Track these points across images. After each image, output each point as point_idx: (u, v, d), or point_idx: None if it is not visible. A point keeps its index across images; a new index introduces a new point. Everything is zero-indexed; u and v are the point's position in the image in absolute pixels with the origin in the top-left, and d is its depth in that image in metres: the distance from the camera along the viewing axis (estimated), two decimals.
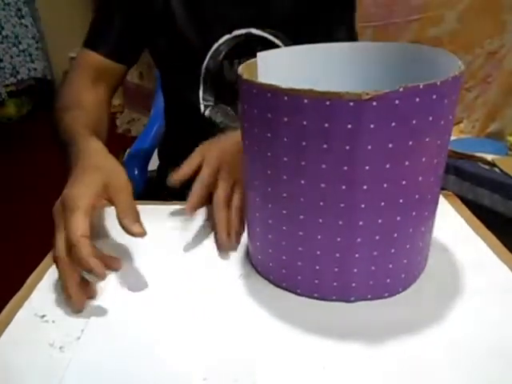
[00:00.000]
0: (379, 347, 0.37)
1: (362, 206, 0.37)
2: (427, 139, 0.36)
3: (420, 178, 0.38)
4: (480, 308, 0.40)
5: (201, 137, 0.66)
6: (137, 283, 0.45)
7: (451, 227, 0.51)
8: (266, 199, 0.41)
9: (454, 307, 0.40)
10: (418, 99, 0.34)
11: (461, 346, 0.36)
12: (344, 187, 0.36)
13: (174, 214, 0.57)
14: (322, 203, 0.37)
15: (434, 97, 0.34)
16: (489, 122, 1.30)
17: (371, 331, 0.38)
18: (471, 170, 1.12)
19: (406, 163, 0.36)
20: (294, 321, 0.40)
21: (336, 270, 0.40)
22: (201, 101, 0.66)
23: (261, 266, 0.46)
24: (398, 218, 0.38)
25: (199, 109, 0.66)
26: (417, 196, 0.38)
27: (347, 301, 0.41)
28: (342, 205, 0.37)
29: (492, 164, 1.12)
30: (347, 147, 0.34)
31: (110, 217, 0.56)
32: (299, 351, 0.36)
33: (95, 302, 0.42)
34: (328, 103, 0.33)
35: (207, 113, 0.65)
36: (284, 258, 0.42)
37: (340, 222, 0.38)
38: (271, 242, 0.43)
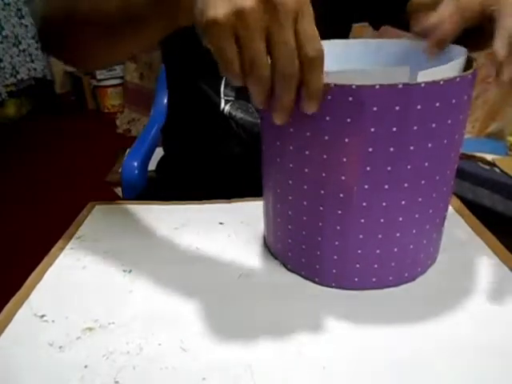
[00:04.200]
0: (379, 347, 0.37)
1: (384, 204, 0.38)
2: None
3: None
4: (480, 308, 0.40)
5: (215, 132, 0.64)
6: (135, 283, 0.45)
7: (451, 227, 0.51)
8: (287, 191, 0.42)
9: (454, 307, 0.40)
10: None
11: (460, 345, 0.36)
12: (366, 186, 0.38)
13: (174, 213, 0.57)
14: (341, 195, 0.39)
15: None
16: (489, 121, 1.30)
17: (372, 329, 0.38)
18: (471, 170, 1.12)
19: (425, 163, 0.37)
20: (293, 321, 0.40)
21: (356, 262, 0.41)
22: (222, 95, 0.64)
23: (280, 256, 0.47)
24: (417, 216, 0.40)
25: (217, 104, 0.65)
26: (434, 195, 0.40)
27: (364, 288, 0.43)
28: (364, 203, 0.38)
29: (492, 164, 1.12)
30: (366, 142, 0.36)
31: (108, 216, 0.56)
32: (299, 351, 0.36)
33: (95, 305, 0.42)
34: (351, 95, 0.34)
35: (227, 108, 0.64)
36: (303, 247, 0.43)
37: (361, 220, 0.39)
38: (291, 232, 0.44)
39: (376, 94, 0.34)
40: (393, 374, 0.34)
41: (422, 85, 0.34)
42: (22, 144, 2.62)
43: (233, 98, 0.64)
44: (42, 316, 0.41)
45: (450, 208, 0.55)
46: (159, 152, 0.84)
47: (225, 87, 0.64)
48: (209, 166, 0.69)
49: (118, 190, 1.73)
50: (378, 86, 0.34)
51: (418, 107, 0.35)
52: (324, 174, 0.38)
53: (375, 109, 0.34)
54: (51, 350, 0.37)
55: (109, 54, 0.46)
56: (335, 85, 0.34)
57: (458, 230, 0.51)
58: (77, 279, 0.46)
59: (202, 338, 0.38)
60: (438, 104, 0.35)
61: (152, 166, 0.89)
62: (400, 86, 0.34)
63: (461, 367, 0.35)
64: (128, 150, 0.95)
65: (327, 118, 0.36)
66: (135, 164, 0.89)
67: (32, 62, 3.06)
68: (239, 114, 0.63)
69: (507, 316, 0.39)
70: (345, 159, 0.37)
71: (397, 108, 0.34)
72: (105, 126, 2.86)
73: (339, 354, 0.36)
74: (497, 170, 1.11)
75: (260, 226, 0.52)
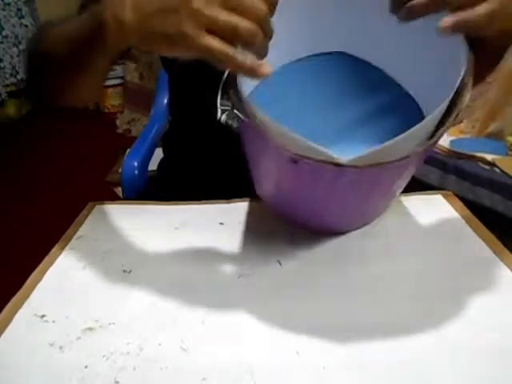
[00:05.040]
0: (379, 348, 0.37)
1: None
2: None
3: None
4: (480, 308, 0.40)
5: (213, 140, 0.66)
6: (135, 283, 0.45)
7: (451, 227, 0.51)
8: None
9: (454, 307, 0.40)
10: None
11: (460, 346, 0.36)
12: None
13: (174, 213, 0.56)
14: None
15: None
16: (489, 121, 1.29)
17: (372, 330, 0.38)
18: (471, 170, 1.11)
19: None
20: (293, 321, 0.40)
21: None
22: (218, 106, 0.66)
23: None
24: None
25: (214, 113, 0.66)
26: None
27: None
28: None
29: (492, 164, 1.12)
30: None
31: (108, 216, 0.56)
32: (299, 351, 0.36)
33: (95, 305, 0.42)
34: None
35: (223, 117, 0.66)
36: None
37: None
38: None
39: (309, 164, 0.36)
40: (393, 374, 0.34)
41: (351, 170, 0.35)
42: (22, 144, 2.61)
43: (229, 108, 0.65)
44: (43, 316, 0.41)
45: (450, 208, 0.55)
46: (159, 152, 0.84)
47: (221, 98, 0.65)
48: (208, 168, 0.70)
49: (118, 190, 1.73)
50: (310, 161, 0.36)
51: (346, 185, 0.39)
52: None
53: (308, 171, 0.37)
54: (51, 350, 0.37)
55: (78, 87, 0.53)
56: (274, 145, 0.37)
57: (458, 230, 0.51)
58: (77, 279, 0.46)
59: (202, 338, 0.38)
60: (368, 185, 0.39)
61: (152, 165, 0.89)
62: (330, 166, 0.35)
63: (461, 370, 0.35)
64: (128, 150, 0.95)
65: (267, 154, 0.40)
66: (135, 164, 0.89)
67: None
68: (235, 123, 0.64)
69: (508, 316, 0.39)
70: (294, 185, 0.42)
71: (328, 178, 0.38)
72: (105, 126, 2.85)
73: (339, 354, 0.36)
74: (497, 170, 1.11)
75: (260, 226, 0.52)
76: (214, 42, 0.34)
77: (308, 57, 0.51)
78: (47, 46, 0.51)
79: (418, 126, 0.35)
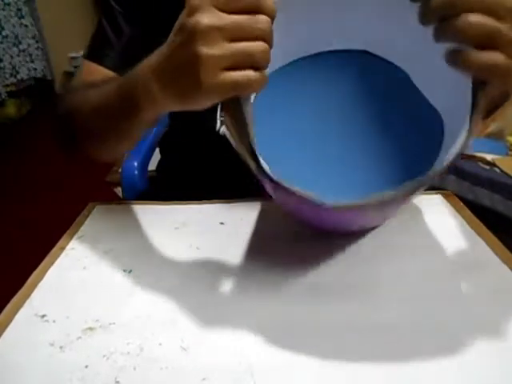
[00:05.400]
0: (380, 348, 0.37)
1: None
2: None
3: None
4: (480, 308, 0.40)
5: (211, 150, 0.66)
6: (136, 283, 0.45)
7: (451, 227, 0.51)
8: None
9: (454, 307, 0.40)
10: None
11: (460, 346, 0.36)
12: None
13: (174, 213, 0.57)
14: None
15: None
16: (489, 122, 1.29)
17: (372, 330, 0.38)
18: (471, 170, 1.11)
19: None
20: (293, 320, 0.40)
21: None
22: (218, 117, 0.66)
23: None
24: None
25: (213, 124, 0.66)
26: None
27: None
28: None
29: (492, 164, 1.12)
30: None
31: (108, 216, 0.56)
32: (299, 351, 0.36)
33: (95, 305, 0.42)
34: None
35: (222, 129, 0.66)
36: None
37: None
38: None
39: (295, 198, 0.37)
40: (393, 375, 0.34)
41: (331, 208, 0.35)
42: (22, 144, 2.61)
43: None
44: (43, 316, 0.41)
45: (451, 208, 0.55)
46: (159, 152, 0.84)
47: (221, 110, 0.66)
48: (205, 171, 0.70)
49: (118, 190, 1.73)
50: (295, 199, 0.37)
51: (330, 222, 0.42)
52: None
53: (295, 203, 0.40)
54: (52, 350, 0.37)
55: (115, 150, 0.57)
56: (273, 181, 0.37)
57: (458, 230, 0.51)
58: (77, 279, 0.46)
59: (202, 338, 0.38)
60: (352, 225, 0.43)
61: (152, 165, 0.89)
62: (312, 203, 0.36)
63: (461, 370, 0.35)
64: None
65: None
66: (135, 164, 0.89)
67: (32, 62, 3.06)
68: None
69: (508, 316, 0.39)
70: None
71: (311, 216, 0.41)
72: None
73: (339, 355, 0.36)
74: (497, 170, 1.11)
75: (260, 226, 0.52)
76: (237, 75, 0.35)
77: (326, 52, 0.48)
78: (78, 115, 0.52)
79: (413, 181, 0.35)
